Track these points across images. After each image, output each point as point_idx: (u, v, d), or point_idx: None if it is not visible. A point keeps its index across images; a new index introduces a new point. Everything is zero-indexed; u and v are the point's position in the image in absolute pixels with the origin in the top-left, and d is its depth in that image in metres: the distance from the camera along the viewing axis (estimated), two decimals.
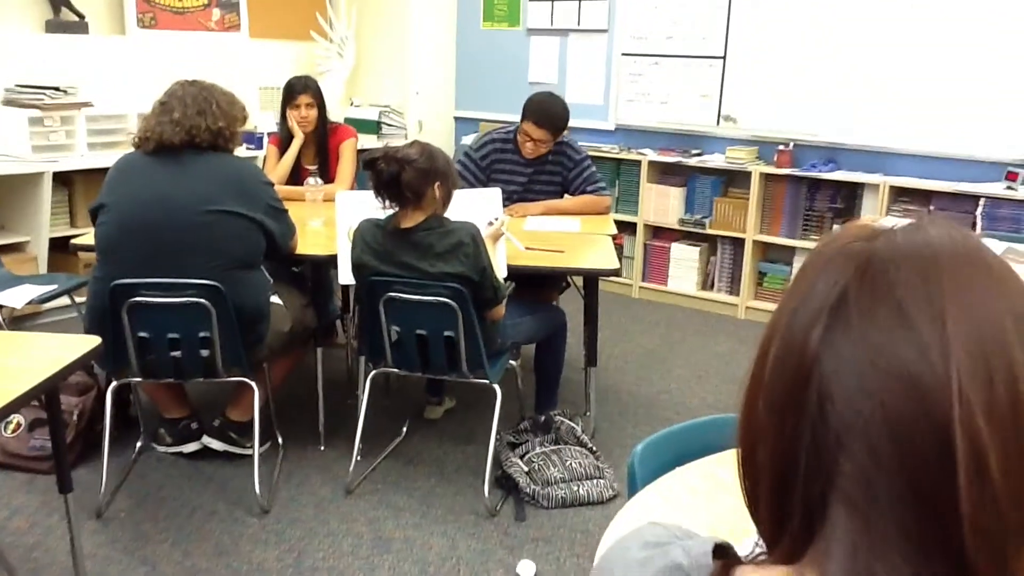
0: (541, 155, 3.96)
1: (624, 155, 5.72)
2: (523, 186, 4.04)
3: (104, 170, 3.08)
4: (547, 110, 3.85)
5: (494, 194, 3.31)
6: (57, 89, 4.76)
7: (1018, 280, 0.62)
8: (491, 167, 4.02)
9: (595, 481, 3.18)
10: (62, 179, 4.74)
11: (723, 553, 0.68)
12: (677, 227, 5.59)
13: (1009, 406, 0.56)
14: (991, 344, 0.58)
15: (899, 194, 4.86)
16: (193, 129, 2.87)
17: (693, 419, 1.81)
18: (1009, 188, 4.53)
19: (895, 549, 0.56)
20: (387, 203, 2.93)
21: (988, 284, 0.61)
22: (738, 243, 5.38)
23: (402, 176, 2.83)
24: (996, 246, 3.39)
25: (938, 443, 0.55)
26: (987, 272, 0.62)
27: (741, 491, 0.68)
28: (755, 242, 5.30)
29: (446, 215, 2.95)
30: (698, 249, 5.54)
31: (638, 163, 5.64)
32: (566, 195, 4.11)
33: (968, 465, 0.55)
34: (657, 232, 5.71)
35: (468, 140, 6.14)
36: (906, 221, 0.66)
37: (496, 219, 3.11)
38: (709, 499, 1.48)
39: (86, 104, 4.85)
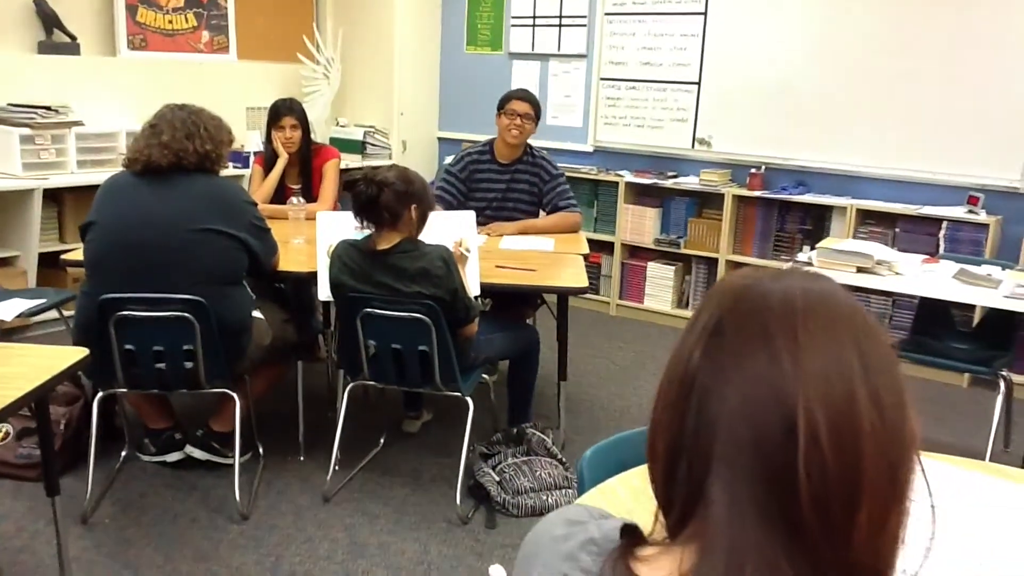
0: (517, 152, 4.24)
1: (602, 176, 5.88)
2: (502, 192, 4.28)
3: (93, 187, 3.21)
4: (525, 92, 4.29)
5: (467, 216, 3.45)
6: (49, 108, 4.89)
7: (863, 320, 0.76)
8: (471, 178, 4.27)
9: (564, 491, 3.30)
10: (52, 196, 4.86)
11: (631, 532, 0.80)
12: (653, 247, 5.74)
13: (843, 398, 0.70)
14: (837, 367, 0.72)
15: (866, 216, 5.02)
16: (181, 152, 3.01)
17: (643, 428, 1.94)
18: (970, 212, 4.70)
19: (752, 519, 0.70)
20: (365, 223, 3.07)
21: (839, 324, 0.75)
22: (712, 263, 5.54)
23: (380, 198, 2.97)
24: (949, 268, 3.55)
25: (784, 435, 0.69)
26: (840, 314, 0.76)
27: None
28: (728, 262, 5.45)
29: (421, 237, 3.09)
30: (673, 268, 5.69)
31: (616, 184, 5.80)
32: (541, 210, 4.30)
33: (808, 446, 0.68)
34: (634, 251, 5.87)
35: (450, 160, 6.28)
36: (777, 270, 0.81)
37: (459, 241, 3.23)
38: (648, 498, 1.61)
39: (77, 123, 4.97)
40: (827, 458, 0.68)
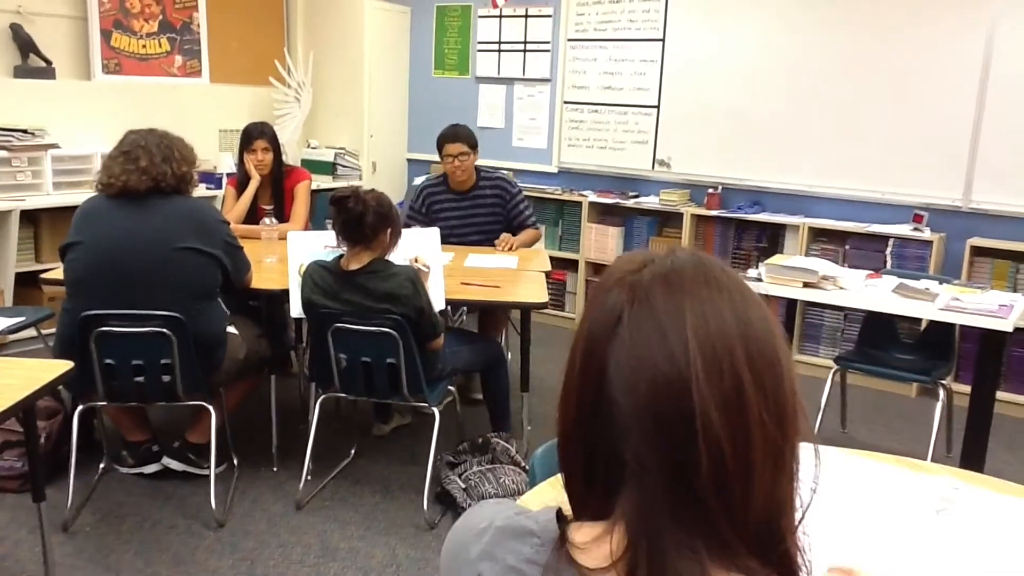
0: (470, 182, 4.50)
1: (566, 196, 6.07)
2: (461, 219, 4.53)
3: (69, 208, 3.33)
4: (455, 130, 4.52)
5: (431, 233, 3.62)
6: (25, 131, 5.01)
7: (741, 288, 0.83)
8: (430, 208, 4.54)
9: (523, 496, 3.45)
10: (29, 217, 4.97)
11: (561, 517, 0.87)
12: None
13: (733, 392, 0.78)
14: (719, 344, 0.79)
15: (818, 234, 5.24)
16: (159, 176, 3.15)
17: None
18: (916, 229, 4.93)
19: (661, 502, 0.78)
20: (341, 241, 3.22)
21: (717, 294, 0.81)
22: None
23: (365, 217, 3.13)
24: (891, 282, 3.76)
25: (684, 425, 0.77)
26: (716, 284, 0.82)
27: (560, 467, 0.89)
28: None
29: (389, 258, 3.26)
30: None
31: (579, 204, 5.99)
32: (509, 229, 4.55)
33: (705, 437, 0.76)
34: (598, 269, 6.04)
35: (419, 181, 6.44)
36: (664, 251, 0.86)
37: (416, 259, 3.40)
38: None
39: (53, 146, 5.10)
40: (720, 435, 0.76)
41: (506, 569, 0.84)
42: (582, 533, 0.82)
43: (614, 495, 0.80)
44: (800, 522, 0.84)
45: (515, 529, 0.86)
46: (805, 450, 0.85)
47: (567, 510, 0.86)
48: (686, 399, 0.76)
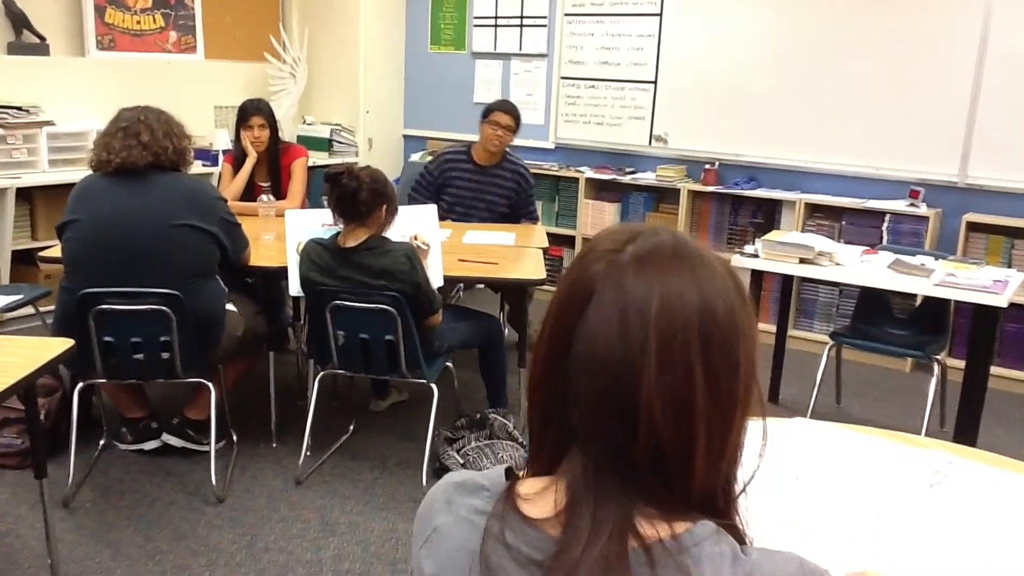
0: (496, 158, 4.57)
1: (563, 172, 6.07)
2: (473, 193, 4.59)
3: (65, 186, 3.34)
4: (509, 104, 4.65)
5: (429, 210, 3.62)
6: (20, 108, 4.99)
7: (714, 274, 0.85)
8: (443, 175, 4.61)
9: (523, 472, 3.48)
10: (24, 195, 4.95)
11: (511, 474, 0.93)
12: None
13: (683, 387, 0.81)
14: (678, 336, 0.81)
15: (814, 210, 5.25)
16: (160, 151, 3.15)
17: None
18: (911, 205, 4.94)
19: (603, 466, 0.82)
20: (336, 218, 3.23)
21: (688, 281, 0.83)
22: None
23: (360, 193, 3.14)
24: (886, 258, 3.78)
25: (628, 409, 0.81)
26: (690, 270, 0.84)
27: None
28: None
29: (387, 235, 3.26)
30: None
31: (576, 180, 5.99)
32: (513, 217, 4.68)
33: (647, 425, 0.81)
34: None
35: (416, 157, 6.45)
36: (652, 229, 0.89)
37: (416, 236, 3.41)
38: None
39: (48, 123, 5.08)
40: (663, 436, 0.81)
41: (458, 520, 0.89)
42: (527, 485, 0.88)
43: (563, 452, 0.85)
44: (743, 490, 0.89)
45: (468, 484, 0.92)
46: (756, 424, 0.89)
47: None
48: (633, 388, 0.80)
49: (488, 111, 4.56)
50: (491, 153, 4.56)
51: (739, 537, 0.85)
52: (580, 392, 0.83)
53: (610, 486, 0.82)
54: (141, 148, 3.14)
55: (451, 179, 4.59)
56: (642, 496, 0.81)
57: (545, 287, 5.76)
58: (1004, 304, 3.37)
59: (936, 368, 3.82)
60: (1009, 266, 4.57)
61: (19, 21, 5.19)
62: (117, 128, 3.21)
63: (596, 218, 5.95)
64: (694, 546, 0.80)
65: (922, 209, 4.90)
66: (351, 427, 3.87)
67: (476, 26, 6.49)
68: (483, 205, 4.59)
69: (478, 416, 3.71)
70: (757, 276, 3.95)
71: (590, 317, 0.83)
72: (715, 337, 0.83)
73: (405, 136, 7.00)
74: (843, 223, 5.16)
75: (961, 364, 3.80)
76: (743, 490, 0.88)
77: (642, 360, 0.80)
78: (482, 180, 4.59)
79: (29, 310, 4.21)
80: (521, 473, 0.92)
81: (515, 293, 4.01)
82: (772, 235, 4.04)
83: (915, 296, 4.13)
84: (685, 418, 0.81)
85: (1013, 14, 4.60)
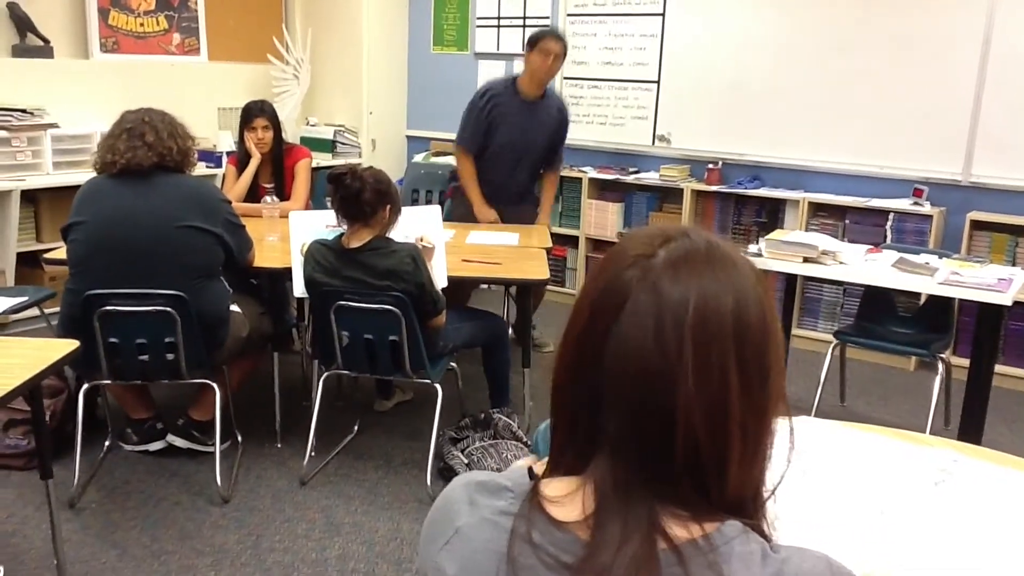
0: (542, 90, 4.48)
1: (567, 172, 6.04)
2: (524, 127, 4.51)
3: (70, 188, 3.35)
4: (556, 31, 4.59)
5: (433, 211, 3.63)
6: (24, 111, 5.01)
7: (746, 274, 0.85)
8: (492, 111, 4.48)
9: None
10: (29, 197, 4.97)
11: (532, 474, 0.92)
12: (616, 240, 5.93)
13: (720, 394, 0.81)
14: (715, 345, 0.80)
15: (817, 209, 5.25)
16: (165, 151, 3.17)
17: None
18: (915, 204, 4.93)
19: (634, 472, 0.82)
20: (340, 219, 3.23)
21: (723, 282, 0.83)
22: None
23: (363, 193, 3.15)
24: (890, 257, 3.77)
25: (665, 416, 0.81)
26: (724, 271, 0.84)
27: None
28: None
29: (390, 235, 3.27)
30: None
31: (579, 180, 5.99)
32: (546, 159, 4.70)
33: (685, 431, 0.80)
34: (598, 245, 6.05)
35: (419, 158, 6.45)
36: (682, 231, 0.88)
37: (422, 238, 3.41)
38: None
39: (52, 125, 5.09)
40: (701, 442, 0.81)
41: (481, 521, 0.88)
42: (553, 487, 0.86)
43: (589, 455, 0.84)
44: (772, 493, 0.89)
45: (490, 485, 0.91)
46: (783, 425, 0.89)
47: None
48: (670, 397, 0.80)
49: (536, 39, 4.40)
50: (539, 85, 4.44)
51: (765, 537, 0.85)
52: (614, 399, 0.83)
53: (641, 490, 0.81)
54: (146, 149, 3.15)
55: (501, 116, 4.46)
56: (672, 500, 0.81)
57: (552, 288, 5.85)
58: (1008, 302, 3.37)
59: (940, 366, 3.81)
60: (1013, 264, 4.56)
61: (23, 24, 5.20)
62: (121, 130, 3.22)
63: (599, 218, 5.95)
64: (724, 544, 0.80)
65: (926, 208, 4.89)
66: (355, 427, 3.88)
67: (479, 27, 6.50)
68: (534, 138, 4.53)
69: (482, 416, 3.72)
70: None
71: (624, 324, 0.82)
72: (749, 342, 0.83)
73: (408, 137, 7.01)
74: (847, 222, 5.15)
75: (965, 362, 3.79)
76: (772, 494, 0.88)
77: (679, 369, 0.80)
78: (530, 117, 4.50)
79: (34, 312, 4.22)
80: (541, 471, 0.91)
81: (520, 293, 4.00)
82: (776, 234, 4.04)
83: (919, 295, 4.12)
84: (721, 424, 0.81)
85: (1016, 12, 4.60)
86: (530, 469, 0.90)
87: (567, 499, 0.85)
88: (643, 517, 0.80)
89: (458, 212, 4.66)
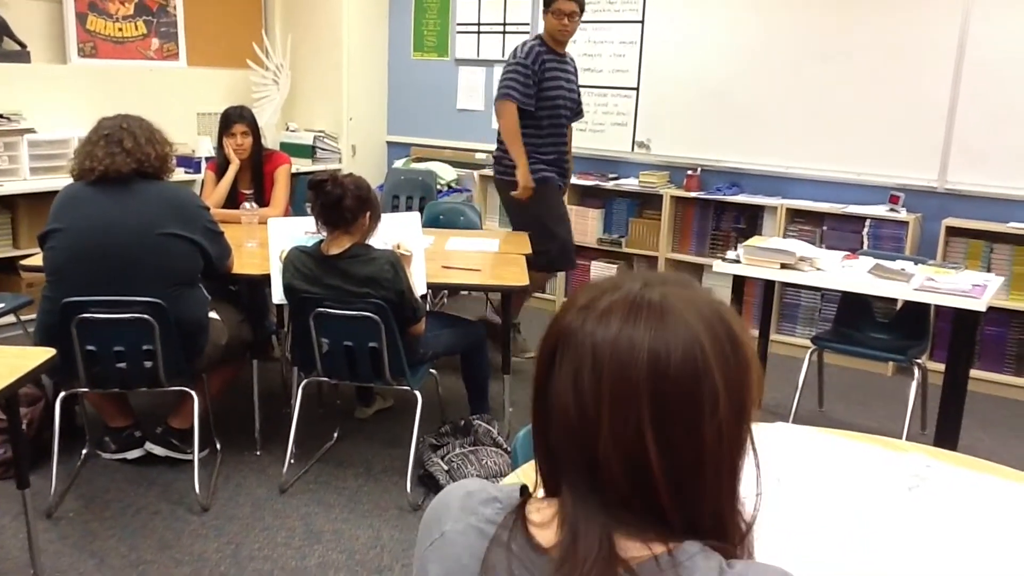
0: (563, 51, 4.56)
1: None
2: (568, 82, 4.63)
3: (47, 194, 3.33)
4: None
5: (411, 218, 3.63)
6: (1, 116, 4.97)
7: (682, 313, 0.85)
8: (542, 67, 4.48)
9: (506, 478, 3.49)
10: (5, 202, 4.94)
11: (525, 491, 0.96)
12: (596, 246, 5.96)
13: (635, 442, 0.83)
14: (627, 384, 0.83)
15: (795, 215, 5.29)
16: (143, 157, 3.15)
17: None
18: (892, 210, 4.98)
19: (585, 498, 0.85)
20: (320, 225, 3.23)
21: (644, 325, 0.84)
22: (652, 260, 5.77)
23: (344, 200, 3.14)
24: (867, 263, 3.81)
25: (587, 458, 0.84)
26: (651, 314, 0.85)
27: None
28: (667, 260, 5.70)
29: (370, 242, 3.27)
30: (616, 267, 5.91)
31: None
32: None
33: (606, 471, 0.84)
34: (578, 250, 6.03)
35: (399, 163, 6.45)
36: (642, 279, 0.90)
37: (398, 245, 3.41)
38: None
39: (29, 130, 5.06)
40: (618, 472, 0.84)
41: (467, 527, 0.93)
42: (538, 512, 0.91)
43: (560, 478, 0.90)
44: (748, 530, 0.91)
45: (481, 495, 0.96)
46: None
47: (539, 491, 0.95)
48: (592, 444, 0.84)
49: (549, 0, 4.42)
50: (560, 44, 4.51)
51: (728, 555, 0.86)
52: (553, 438, 0.89)
53: (594, 514, 0.85)
54: (125, 155, 3.13)
55: (549, 72, 4.49)
56: (624, 524, 0.84)
57: (539, 295, 5.87)
58: (983, 308, 3.41)
59: (917, 372, 3.85)
60: (988, 270, 4.61)
61: (0, 28, 5.16)
62: (99, 136, 3.20)
63: (580, 224, 5.96)
64: (687, 560, 0.82)
65: (902, 214, 4.94)
66: (335, 434, 3.87)
67: (459, 33, 6.51)
68: (576, 96, 4.67)
69: (462, 422, 3.72)
70: (739, 281, 3.98)
71: (555, 374, 0.88)
72: (667, 388, 0.83)
73: (388, 142, 7.01)
74: (824, 228, 5.19)
75: (942, 367, 3.82)
76: (749, 529, 0.90)
77: (596, 419, 0.84)
78: (566, 69, 4.59)
79: (11, 319, 4.19)
80: (533, 490, 0.95)
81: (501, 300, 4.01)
82: (754, 241, 4.07)
83: (896, 300, 4.16)
84: (641, 469, 0.83)
85: (991, 20, 4.65)
86: (524, 487, 0.95)
87: (548, 524, 0.89)
88: (596, 540, 0.83)
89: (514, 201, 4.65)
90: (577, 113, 4.85)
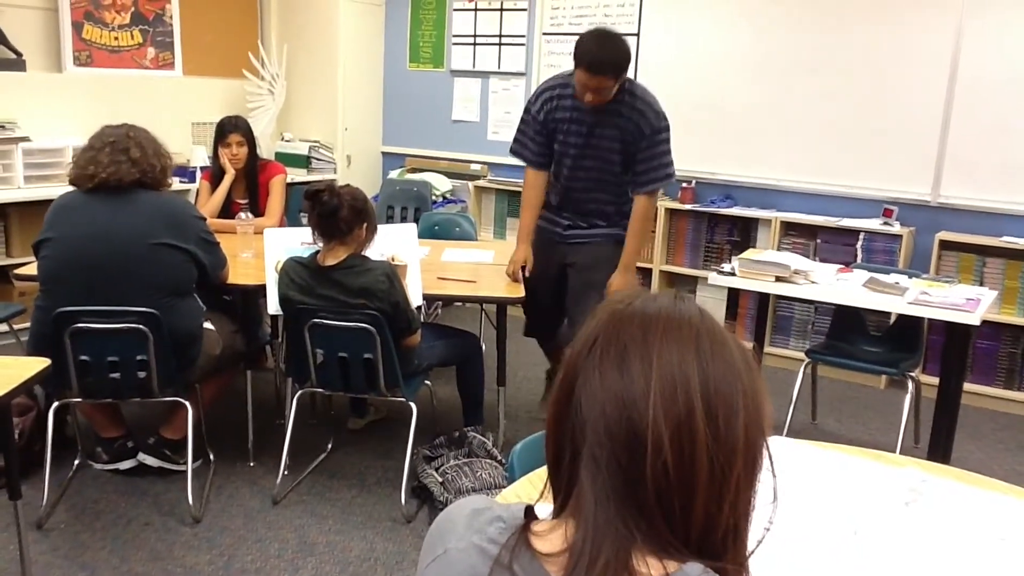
0: (607, 101, 3.57)
1: None
2: (584, 138, 3.71)
3: (41, 203, 3.32)
4: (599, 54, 3.43)
5: (408, 229, 3.63)
6: None
7: (717, 343, 0.91)
8: (550, 114, 3.72)
9: (502, 490, 3.48)
10: None
11: (529, 512, 0.96)
12: None
13: (687, 431, 0.85)
14: (680, 385, 0.87)
15: (789, 228, 5.30)
16: (148, 168, 3.16)
17: None
18: (885, 223, 5.00)
19: (610, 500, 0.86)
20: (316, 236, 3.23)
21: (688, 343, 0.89)
22: (646, 272, 5.77)
23: (340, 211, 3.14)
24: (861, 276, 3.82)
25: (635, 448, 0.85)
26: (690, 335, 0.90)
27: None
28: (662, 272, 5.70)
29: (366, 253, 3.27)
30: None
31: None
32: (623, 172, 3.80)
33: (652, 455, 0.84)
34: None
35: (394, 174, 6.46)
36: (655, 293, 0.96)
37: (393, 257, 3.40)
38: None
39: (24, 139, 5.04)
40: (668, 463, 0.84)
41: (470, 546, 0.92)
42: (542, 523, 0.91)
43: (574, 486, 0.89)
44: (753, 551, 0.93)
45: (486, 514, 0.95)
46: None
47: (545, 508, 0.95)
48: (639, 418, 0.85)
49: (575, 61, 3.48)
50: (587, 102, 3.57)
51: None
52: (588, 428, 0.88)
53: (612, 523, 0.85)
54: (130, 164, 3.13)
55: (558, 121, 3.68)
56: (642, 534, 0.85)
57: None
58: (976, 322, 3.42)
59: (910, 385, 3.85)
60: (981, 284, 4.63)
61: None
62: (104, 143, 3.18)
63: None
64: None
65: (896, 227, 4.96)
66: (329, 446, 3.86)
67: (455, 44, 6.52)
68: (592, 153, 3.69)
69: (456, 434, 3.71)
70: (733, 294, 3.98)
71: (594, 361, 0.90)
72: (715, 397, 0.87)
73: (384, 153, 7.01)
74: (818, 241, 5.21)
75: (935, 381, 3.84)
76: (753, 551, 0.92)
77: (646, 404, 0.85)
78: (591, 122, 3.64)
79: (3, 328, 4.18)
80: (537, 500, 0.95)
81: (498, 312, 4.00)
82: (748, 253, 4.08)
83: (889, 314, 4.17)
84: (688, 452, 0.85)
85: (984, 35, 4.68)
86: (529, 507, 0.94)
87: (551, 531, 0.90)
88: (610, 551, 0.83)
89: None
90: (636, 183, 3.76)
